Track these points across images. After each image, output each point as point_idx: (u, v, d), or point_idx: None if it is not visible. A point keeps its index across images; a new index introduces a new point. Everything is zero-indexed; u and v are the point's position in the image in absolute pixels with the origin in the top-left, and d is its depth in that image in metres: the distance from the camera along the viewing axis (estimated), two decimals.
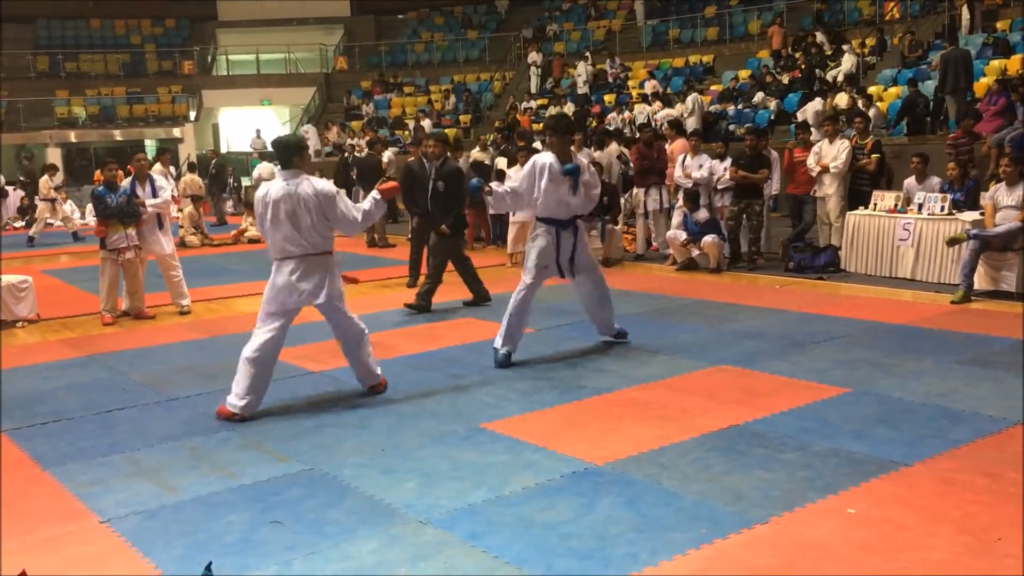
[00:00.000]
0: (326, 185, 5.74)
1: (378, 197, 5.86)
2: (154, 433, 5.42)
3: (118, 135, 28.23)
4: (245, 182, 25.04)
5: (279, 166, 5.81)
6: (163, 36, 32.53)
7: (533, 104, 23.75)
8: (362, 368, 6.08)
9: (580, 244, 6.92)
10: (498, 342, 6.76)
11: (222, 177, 21.55)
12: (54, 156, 27.38)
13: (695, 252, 10.84)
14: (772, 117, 17.96)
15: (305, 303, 5.74)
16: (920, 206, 9.75)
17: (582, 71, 24.16)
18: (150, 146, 28.50)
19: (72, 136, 27.96)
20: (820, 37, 20.34)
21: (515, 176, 6.98)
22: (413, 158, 10.63)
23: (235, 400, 5.61)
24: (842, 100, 16.44)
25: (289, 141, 5.91)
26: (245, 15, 31.98)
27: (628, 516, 4.00)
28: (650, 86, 21.20)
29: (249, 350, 5.62)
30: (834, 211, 10.83)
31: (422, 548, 3.77)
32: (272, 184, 5.67)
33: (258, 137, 28.29)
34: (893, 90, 16.85)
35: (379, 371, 6.15)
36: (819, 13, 21.98)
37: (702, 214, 10.80)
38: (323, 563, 3.67)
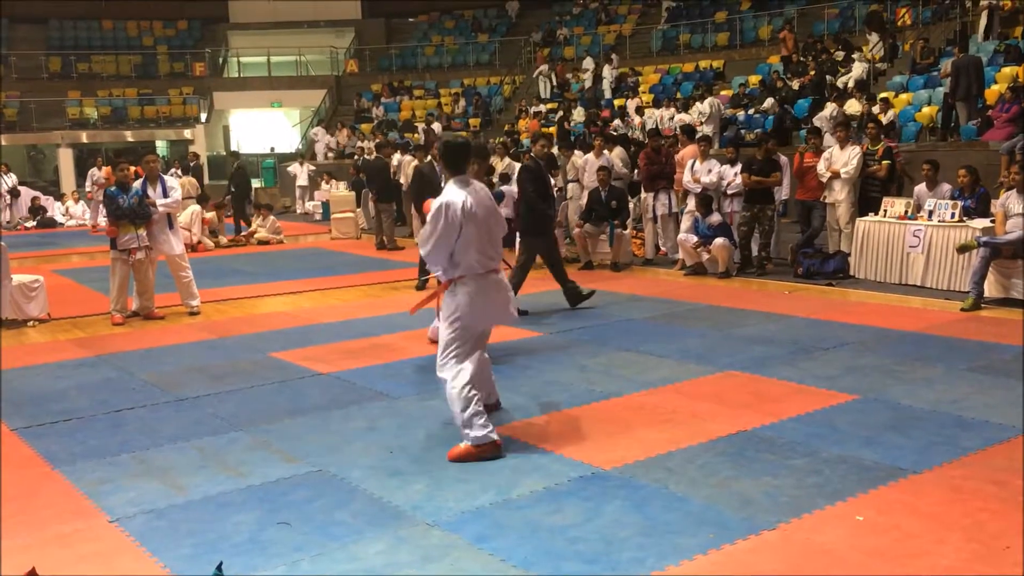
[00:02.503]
0: None
1: None
2: (163, 433, 5.44)
3: (129, 136, 28.36)
4: (255, 184, 25.11)
5: (449, 173, 5.19)
6: (175, 38, 32.67)
7: (543, 108, 23.77)
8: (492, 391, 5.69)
9: None
10: None
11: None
12: (65, 157, 27.54)
13: (706, 256, 10.83)
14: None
15: (504, 314, 5.31)
16: (930, 213, 9.73)
17: (606, 73, 24.00)
18: (161, 147, 28.64)
19: (83, 137, 28.08)
20: (874, 37, 19.73)
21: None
22: (419, 162, 10.65)
23: (478, 432, 4.88)
24: (852, 106, 16.40)
25: (465, 144, 5.42)
26: (256, 17, 32.10)
27: (635, 520, 4.00)
28: (632, 104, 20.94)
29: (469, 385, 4.97)
30: (844, 217, 10.81)
31: (429, 550, 3.77)
32: (460, 192, 5.03)
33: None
34: (904, 96, 16.82)
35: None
36: (873, 14, 20.90)
37: (714, 217, 10.79)
38: (330, 564, 3.68)
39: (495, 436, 4.90)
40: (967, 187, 9.78)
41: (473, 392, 4.95)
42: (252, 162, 27.90)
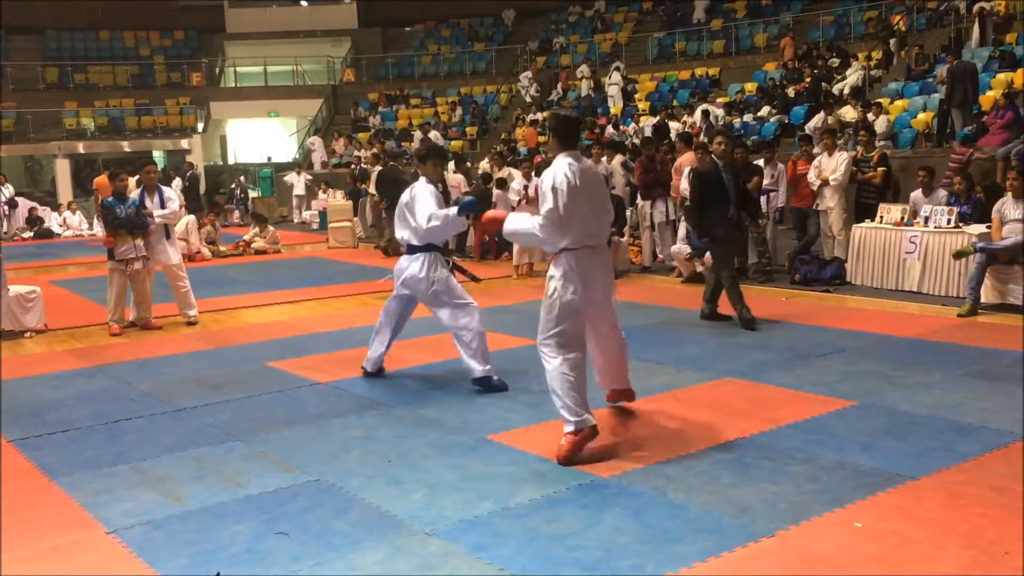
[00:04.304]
0: None
1: None
2: (161, 443, 5.43)
3: (126, 146, 28.37)
4: (252, 193, 25.13)
5: (560, 147, 5.07)
6: (171, 48, 32.73)
7: (539, 116, 23.81)
8: (623, 377, 5.57)
9: None
10: (483, 368, 6.39)
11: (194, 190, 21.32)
12: (62, 167, 27.56)
13: (699, 267, 10.84)
14: (778, 131, 17.98)
15: (605, 296, 5.23)
16: (927, 219, 9.75)
17: (616, 79, 23.98)
18: (158, 157, 28.66)
19: (80, 147, 28.09)
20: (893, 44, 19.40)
21: (430, 205, 6.36)
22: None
23: (573, 417, 4.89)
24: (848, 113, 16.46)
25: (579, 119, 5.37)
26: (253, 27, 32.17)
27: (634, 528, 3.99)
28: (632, 129, 20.78)
29: (568, 365, 4.96)
30: (836, 224, 10.83)
31: (428, 559, 3.77)
32: (568, 164, 4.97)
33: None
34: (899, 103, 16.87)
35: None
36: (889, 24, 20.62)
37: None
38: (329, 574, 3.67)
39: (592, 420, 4.91)
40: (962, 193, 9.81)
41: (573, 377, 4.90)
42: (249, 171, 27.97)
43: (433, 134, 23.78)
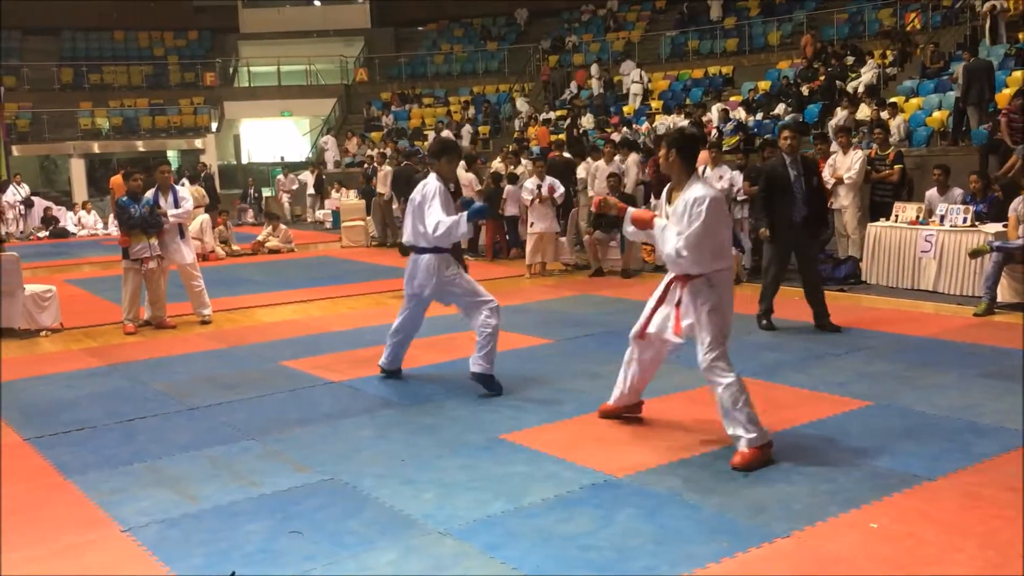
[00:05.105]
0: None
1: None
2: (175, 442, 5.45)
3: (141, 146, 28.51)
4: (266, 193, 25.22)
5: (686, 169, 4.94)
6: (186, 48, 32.86)
7: (552, 115, 23.80)
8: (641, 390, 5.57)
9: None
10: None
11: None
12: (77, 167, 27.72)
13: None
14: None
15: None
16: (942, 218, 9.69)
17: (637, 78, 23.82)
18: (172, 157, 28.81)
19: (95, 147, 28.24)
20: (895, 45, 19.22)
21: (439, 213, 6.16)
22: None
23: (752, 435, 4.78)
24: (862, 111, 16.37)
25: (698, 135, 5.25)
26: (266, 27, 32.25)
27: (648, 529, 3.98)
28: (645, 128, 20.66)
29: (740, 380, 4.92)
30: (851, 223, 10.77)
31: (441, 559, 3.77)
32: (708, 187, 4.91)
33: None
34: (914, 101, 16.77)
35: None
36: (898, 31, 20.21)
37: None
38: (342, 573, 3.67)
39: (769, 436, 4.83)
40: (978, 192, 9.74)
41: (744, 391, 4.87)
42: (262, 171, 28.07)
43: (445, 133, 23.79)
